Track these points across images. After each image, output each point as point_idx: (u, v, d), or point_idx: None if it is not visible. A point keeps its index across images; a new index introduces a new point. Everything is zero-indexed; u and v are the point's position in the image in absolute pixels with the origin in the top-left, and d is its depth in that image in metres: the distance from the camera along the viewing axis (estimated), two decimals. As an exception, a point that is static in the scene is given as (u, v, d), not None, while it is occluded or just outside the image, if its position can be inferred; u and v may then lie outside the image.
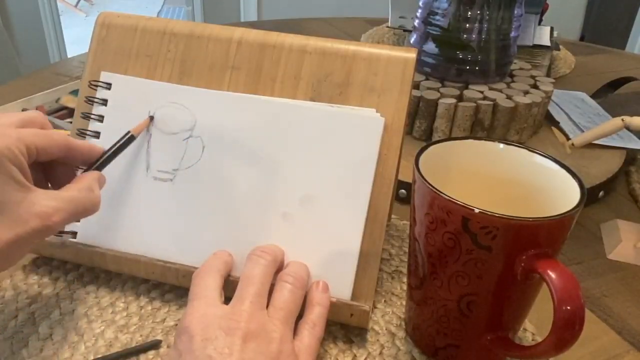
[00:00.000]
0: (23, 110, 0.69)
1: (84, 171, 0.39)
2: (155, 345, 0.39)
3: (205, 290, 0.36)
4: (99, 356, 0.38)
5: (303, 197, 0.42)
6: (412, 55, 0.42)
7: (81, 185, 0.36)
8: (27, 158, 0.33)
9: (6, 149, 0.31)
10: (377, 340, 0.41)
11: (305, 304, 0.38)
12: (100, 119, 0.46)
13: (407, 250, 0.49)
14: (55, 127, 0.66)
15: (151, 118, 0.44)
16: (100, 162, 0.39)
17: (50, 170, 0.38)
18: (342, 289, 0.40)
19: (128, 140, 0.42)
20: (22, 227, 0.31)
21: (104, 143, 0.45)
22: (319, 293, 0.39)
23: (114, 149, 0.41)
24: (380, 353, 0.40)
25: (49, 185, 0.39)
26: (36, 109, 0.70)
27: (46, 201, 0.33)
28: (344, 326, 0.41)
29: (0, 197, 0.31)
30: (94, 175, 0.38)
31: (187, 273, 0.42)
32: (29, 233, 0.32)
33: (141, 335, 0.40)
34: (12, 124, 0.35)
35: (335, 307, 0.40)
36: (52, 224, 0.32)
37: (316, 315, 0.37)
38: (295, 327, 0.36)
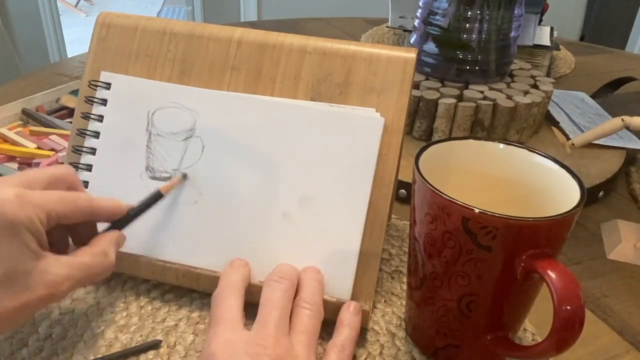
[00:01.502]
0: (23, 110, 0.69)
1: (107, 229, 0.38)
2: (155, 345, 0.39)
3: (228, 313, 0.35)
4: (99, 356, 0.38)
5: (303, 197, 0.42)
6: (412, 55, 0.42)
7: (96, 249, 0.35)
8: (46, 226, 0.32)
9: (26, 218, 0.31)
10: (377, 340, 0.41)
11: (336, 324, 0.38)
12: (100, 118, 0.46)
13: (407, 250, 0.49)
14: (55, 127, 0.66)
15: (184, 176, 0.43)
16: (123, 220, 0.38)
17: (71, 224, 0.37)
18: (342, 288, 0.40)
19: (156, 198, 0.40)
20: (29, 296, 0.31)
21: (104, 143, 0.45)
22: (349, 315, 0.38)
23: (140, 206, 0.39)
24: (380, 353, 0.40)
25: (69, 238, 0.38)
26: (36, 109, 0.70)
27: (57, 269, 0.32)
28: (344, 326, 0.41)
29: (12, 265, 0.30)
30: (111, 237, 0.37)
31: (186, 273, 0.42)
32: (35, 301, 0.31)
33: (141, 335, 0.40)
34: (39, 182, 0.34)
35: (335, 307, 0.40)
36: (59, 293, 0.32)
37: (345, 338, 0.37)
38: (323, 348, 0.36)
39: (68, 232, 0.37)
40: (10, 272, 0.30)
